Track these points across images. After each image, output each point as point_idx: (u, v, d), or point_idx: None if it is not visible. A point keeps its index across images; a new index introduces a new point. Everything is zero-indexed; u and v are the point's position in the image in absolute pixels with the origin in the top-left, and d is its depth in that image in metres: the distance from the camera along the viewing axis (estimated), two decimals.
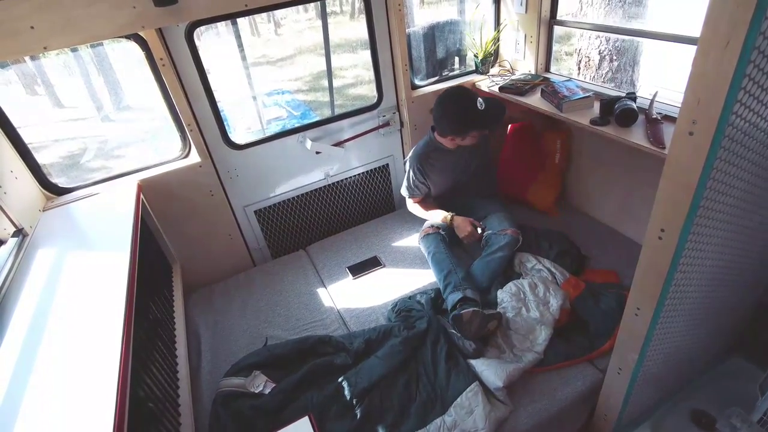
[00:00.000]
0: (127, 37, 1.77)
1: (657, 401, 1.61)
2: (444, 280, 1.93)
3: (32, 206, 1.77)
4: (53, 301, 1.28)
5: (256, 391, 1.57)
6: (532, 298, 1.80)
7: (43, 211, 1.81)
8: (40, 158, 1.86)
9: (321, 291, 2.16)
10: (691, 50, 0.83)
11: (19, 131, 1.76)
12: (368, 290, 2.10)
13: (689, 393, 1.65)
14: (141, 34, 1.75)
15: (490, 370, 1.56)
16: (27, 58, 5.61)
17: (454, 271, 1.94)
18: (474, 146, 2.13)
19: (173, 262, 2.19)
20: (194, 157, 2.06)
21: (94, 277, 1.38)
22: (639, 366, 1.31)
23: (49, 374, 1.05)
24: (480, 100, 1.94)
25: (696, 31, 0.82)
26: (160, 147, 5.00)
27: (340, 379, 1.60)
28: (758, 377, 1.46)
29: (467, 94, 1.98)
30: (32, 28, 1.41)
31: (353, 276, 2.20)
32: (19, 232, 1.60)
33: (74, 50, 5.72)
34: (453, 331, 1.70)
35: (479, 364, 1.60)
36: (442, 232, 2.16)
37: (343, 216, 2.68)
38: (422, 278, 2.13)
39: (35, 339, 1.15)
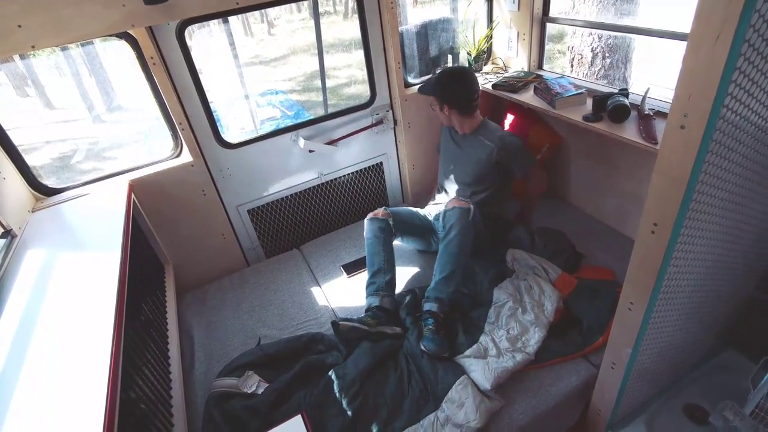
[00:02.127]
0: (118, 35, 1.75)
1: (651, 396, 1.62)
2: (371, 277, 1.94)
3: (21, 207, 1.75)
4: (42, 303, 1.26)
5: (249, 391, 1.56)
6: (527, 299, 1.80)
7: (33, 212, 1.79)
8: (31, 160, 1.84)
9: (315, 290, 2.15)
10: (682, 46, 0.83)
11: (9, 133, 1.73)
12: (363, 289, 2.09)
13: (682, 387, 1.66)
14: (131, 32, 1.73)
15: (478, 372, 1.56)
16: (17, 59, 5.56)
17: (382, 272, 1.92)
18: (484, 160, 2.04)
19: (166, 262, 2.17)
20: (186, 157, 2.04)
21: (84, 278, 1.36)
22: (633, 360, 1.31)
23: (38, 376, 1.04)
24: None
25: (686, 27, 0.82)
26: (152, 147, 4.97)
27: (329, 373, 1.59)
28: (750, 370, 1.47)
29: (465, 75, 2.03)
30: (20, 26, 1.39)
31: (347, 274, 2.19)
32: (8, 233, 1.58)
33: (65, 49, 5.67)
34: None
35: (468, 364, 1.60)
36: (390, 222, 2.03)
37: (337, 214, 2.67)
38: (417, 276, 2.12)
39: (24, 341, 1.13)
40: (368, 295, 1.91)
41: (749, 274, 1.55)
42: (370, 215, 2.08)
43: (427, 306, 1.78)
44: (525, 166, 2.04)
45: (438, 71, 2.07)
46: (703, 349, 1.71)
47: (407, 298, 1.92)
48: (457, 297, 1.90)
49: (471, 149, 2.09)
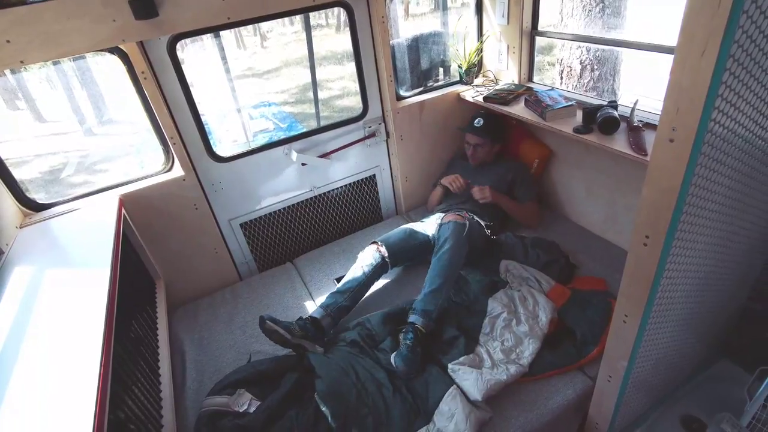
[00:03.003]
0: (109, 50, 1.74)
1: (648, 408, 1.61)
2: (335, 292, 1.95)
3: (8, 223, 1.72)
4: (28, 322, 1.23)
5: (241, 410, 1.53)
6: (522, 310, 1.79)
7: (21, 227, 1.76)
8: (19, 174, 1.82)
9: (309, 304, 2.13)
10: (669, 59, 0.84)
11: None
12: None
13: (679, 398, 1.66)
14: (122, 47, 1.73)
15: (469, 382, 1.55)
16: (7, 73, 5.53)
17: (345, 296, 1.93)
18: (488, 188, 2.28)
19: (157, 277, 2.14)
20: (177, 171, 2.03)
21: (72, 296, 1.34)
22: (629, 373, 1.31)
23: (24, 397, 1.01)
24: (477, 119, 2.35)
25: (672, 40, 0.83)
26: (144, 160, 4.94)
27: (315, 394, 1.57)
28: (745, 380, 1.47)
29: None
30: (8, 42, 1.38)
31: None
32: None
33: (56, 63, 5.66)
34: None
35: (461, 372, 1.59)
36: (387, 259, 2.06)
37: (330, 227, 2.66)
38: (410, 289, 2.11)
39: (9, 361, 1.10)
40: (319, 304, 1.92)
41: (742, 284, 1.56)
42: (370, 243, 2.12)
43: (412, 318, 1.75)
44: (528, 193, 2.36)
45: (482, 116, 2.35)
46: (698, 360, 1.71)
47: (356, 329, 1.85)
48: (451, 306, 1.89)
49: (492, 170, 2.40)
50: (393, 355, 1.66)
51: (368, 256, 2.06)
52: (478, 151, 2.38)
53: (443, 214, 2.22)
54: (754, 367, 1.49)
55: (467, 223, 1.95)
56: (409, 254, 2.15)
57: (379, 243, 2.10)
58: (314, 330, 1.79)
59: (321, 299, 2.11)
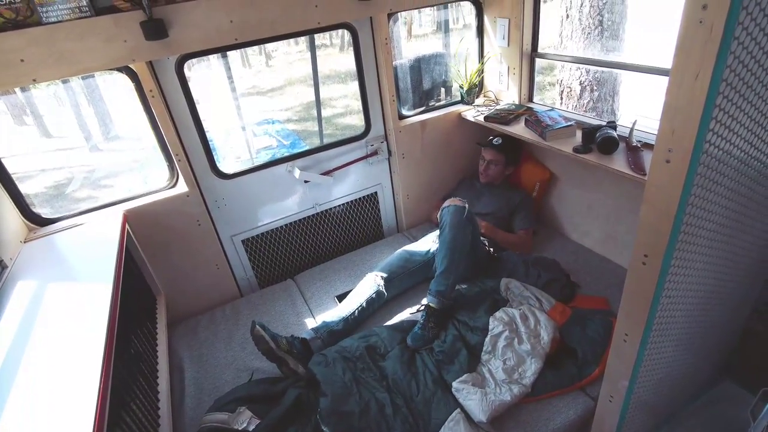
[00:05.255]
0: (118, 69, 1.79)
1: (651, 429, 1.59)
2: (332, 316, 2.00)
3: (13, 237, 1.74)
4: (30, 337, 1.23)
5: (240, 428, 1.52)
6: (523, 329, 1.78)
7: (25, 242, 1.78)
8: (25, 188, 1.84)
9: (309, 321, 2.12)
10: (666, 81, 0.86)
11: (4, 161, 1.74)
12: (358, 320, 2.07)
13: (682, 419, 1.63)
14: (131, 66, 1.77)
15: (474, 402, 1.53)
16: (17, 89, 5.64)
17: (339, 324, 1.95)
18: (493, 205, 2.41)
19: (158, 293, 2.14)
20: (182, 187, 2.05)
21: (74, 310, 1.34)
22: (630, 393, 1.30)
23: (23, 412, 1.01)
24: (496, 138, 2.41)
25: (668, 63, 0.86)
26: (148, 176, 4.99)
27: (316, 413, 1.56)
28: (748, 401, 1.45)
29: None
30: (22, 60, 1.42)
31: None
32: None
33: (65, 81, 5.76)
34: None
35: (463, 394, 1.57)
36: (383, 289, 2.09)
37: (331, 244, 2.67)
38: (411, 306, 2.11)
39: (10, 375, 1.10)
40: (313, 327, 1.96)
41: (742, 303, 1.56)
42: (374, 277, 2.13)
43: (427, 299, 1.89)
44: (525, 222, 2.39)
45: (502, 137, 2.40)
46: (700, 381, 1.69)
47: (361, 339, 1.87)
48: (454, 319, 1.89)
49: (498, 193, 2.47)
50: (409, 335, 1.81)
51: (366, 288, 2.09)
52: (490, 168, 2.43)
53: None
54: (758, 388, 1.48)
55: (466, 205, 2.00)
56: (409, 280, 2.19)
57: (377, 274, 2.13)
58: (301, 349, 1.81)
59: (321, 316, 2.12)
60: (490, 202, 2.46)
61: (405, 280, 2.17)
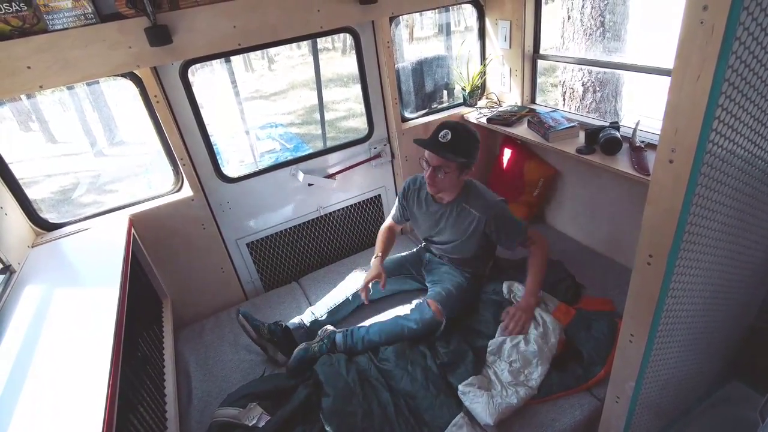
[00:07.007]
0: (123, 75, 1.81)
1: (658, 430, 1.58)
2: (319, 309, 2.03)
3: (21, 242, 1.76)
4: (38, 341, 1.25)
5: (250, 424, 1.53)
6: (531, 330, 1.78)
7: (32, 247, 1.80)
8: (32, 193, 1.86)
9: None
10: (668, 81, 0.86)
11: (11, 167, 1.76)
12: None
13: (690, 420, 1.62)
14: (136, 72, 1.79)
15: (480, 406, 1.53)
16: (23, 97, 5.69)
17: (324, 321, 1.97)
18: (454, 215, 1.89)
19: (163, 297, 2.15)
20: (186, 191, 2.07)
21: (81, 315, 1.36)
22: (637, 394, 1.29)
23: (33, 416, 1.02)
24: (443, 131, 1.70)
25: (670, 63, 0.86)
26: (153, 180, 5.02)
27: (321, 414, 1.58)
28: (756, 402, 1.45)
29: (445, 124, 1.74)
30: (29, 68, 1.44)
31: None
32: (6, 269, 1.57)
33: (70, 87, 5.80)
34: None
35: (469, 397, 1.57)
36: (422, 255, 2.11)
37: (336, 247, 2.67)
38: (400, 301, 2.11)
39: (19, 380, 1.12)
40: (300, 316, 2.01)
41: (749, 303, 1.55)
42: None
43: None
44: (515, 231, 1.84)
45: (450, 128, 1.69)
46: (707, 381, 1.68)
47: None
48: (459, 322, 1.89)
49: (458, 214, 1.86)
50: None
51: (352, 283, 2.08)
52: (438, 178, 1.74)
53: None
54: (766, 388, 1.47)
55: (443, 321, 1.83)
56: (396, 285, 2.15)
57: (364, 269, 2.11)
58: (282, 337, 1.87)
59: (310, 308, 2.12)
60: (448, 227, 1.90)
61: (394, 284, 2.12)
